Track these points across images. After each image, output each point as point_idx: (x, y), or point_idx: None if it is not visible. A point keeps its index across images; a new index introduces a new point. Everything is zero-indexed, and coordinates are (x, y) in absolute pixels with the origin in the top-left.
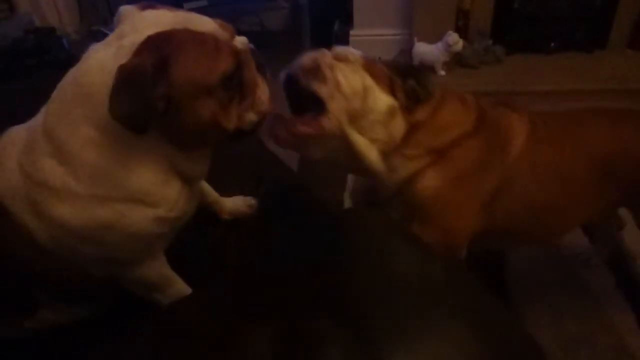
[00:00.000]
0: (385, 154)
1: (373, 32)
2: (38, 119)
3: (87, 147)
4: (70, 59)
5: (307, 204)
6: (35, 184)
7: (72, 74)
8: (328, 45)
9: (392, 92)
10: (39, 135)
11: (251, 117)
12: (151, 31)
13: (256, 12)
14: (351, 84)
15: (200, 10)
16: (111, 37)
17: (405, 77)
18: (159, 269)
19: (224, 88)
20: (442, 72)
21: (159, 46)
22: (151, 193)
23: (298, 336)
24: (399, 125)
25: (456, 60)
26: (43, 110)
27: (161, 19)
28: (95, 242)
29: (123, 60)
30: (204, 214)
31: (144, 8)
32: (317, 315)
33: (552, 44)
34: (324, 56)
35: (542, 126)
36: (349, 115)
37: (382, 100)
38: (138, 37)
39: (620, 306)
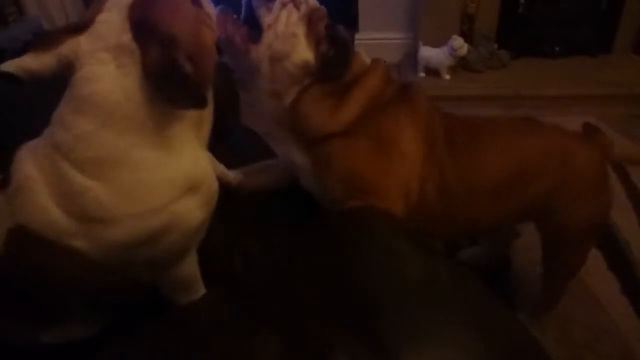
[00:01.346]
0: (281, 119)
1: (378, 36)
2: (45, 149)
3: (142, 168)
4: None
5: (310, 207)
6: (81, 219)
7: (83, 111)
8: None
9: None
10: (70, 175)
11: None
12: (124, 31)
13: None
14: (286, 26)
15: None
16: (91, 61)
17: (331, 45)
18: (193, 265)
19: (195, 6)
20: (447, 76)
21: (152, 29)
22: (192, 177)
23: (307, 344)
24: (292, 92)
25: (461, 65)
26: (51, 143)
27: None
28: (151, 247)
29: (134, 70)
30: None
31: (76, 31)
32: (325, 323)
33: (557, 49)
34: None
35: (438, 126)
36: (272, 54)
37: (299, 53)
38: (119, 38)
39: (626, 312)
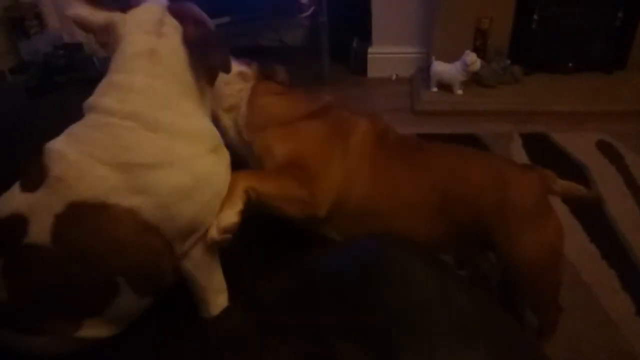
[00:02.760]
0: (238, 128)
1: (391, 50)
2: (91, 125)
3: (189, 115)
4: (101, 76)
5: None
6: (141, 167)
7: (136, 68)
8: (346, 62)
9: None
10: (132, 129)
11: None
12: (164, 13)
13: (276, 29)
14: None
15: (223, 26)
16: (137, 30)
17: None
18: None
19: None
20: (460, 92)
21: (187, 15)
22: (216, 134)
23: (323, 359)
24: (245, 93)
25: (474, 80)
26: (100, 112)
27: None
28: (193, 201)
29: (173, 37)
30: None
31: (123, 9)
32: (341, 339)
33: (571, 64)
34: None
35: (391, 137)
36: None
37: (234, 68)
38: (162, 16)
39: None
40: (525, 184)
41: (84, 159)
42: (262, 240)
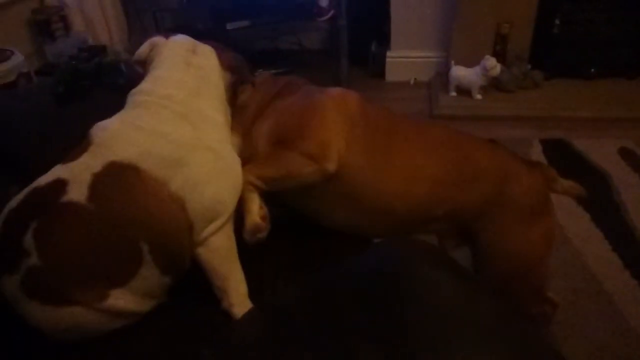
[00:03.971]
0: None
1: (410, 54)
2: (134, 104)
3: (212, 110)
4: (129, 82)
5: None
6: (172, 139)
7: (175, 68)
8: (364, 65)
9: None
10: (160, 105)
11: None
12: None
13: (295, 32)
14: None
15: (243, 30)
16: (176, 47)
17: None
18: (231, 232)
19: None
20: (479, 96)
21: (218, 46)
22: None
23: None
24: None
25: (493, 85)
26: (140, 93)
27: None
28: (214, 182)
29: (207, 56)
30: None
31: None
32: (364, 343)
33: (593, 70)
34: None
35: (381, 108)
36: None
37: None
38: (196, 42)
39: None
40: (527, 180)
41: (124, 126)
42: (282, 242)
